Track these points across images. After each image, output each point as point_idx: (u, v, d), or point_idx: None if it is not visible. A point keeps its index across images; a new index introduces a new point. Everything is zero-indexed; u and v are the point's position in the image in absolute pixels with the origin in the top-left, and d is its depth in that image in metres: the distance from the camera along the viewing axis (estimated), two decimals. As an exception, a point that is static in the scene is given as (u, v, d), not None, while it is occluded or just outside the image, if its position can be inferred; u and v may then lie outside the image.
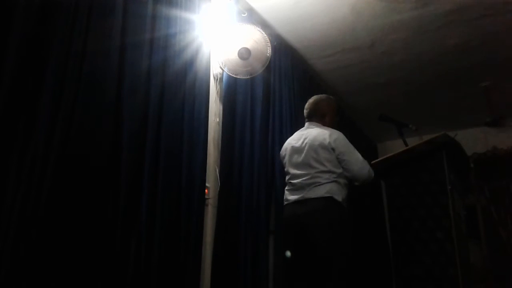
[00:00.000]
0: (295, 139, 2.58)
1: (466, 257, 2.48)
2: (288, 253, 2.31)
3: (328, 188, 2.33)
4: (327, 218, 2.30)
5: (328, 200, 2.32)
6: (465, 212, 2.65)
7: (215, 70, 2.84)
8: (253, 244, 2.68)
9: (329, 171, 2.36)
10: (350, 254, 2.26)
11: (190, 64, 2.47)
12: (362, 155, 2.46)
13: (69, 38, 1.69)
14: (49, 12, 1.65)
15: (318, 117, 2.58)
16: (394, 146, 3.58)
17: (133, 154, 1.93)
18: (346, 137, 2.52)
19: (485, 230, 5.15)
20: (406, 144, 2.68)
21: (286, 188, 2.53)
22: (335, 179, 2.35)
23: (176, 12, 2.40)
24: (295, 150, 2.52)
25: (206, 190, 2.50)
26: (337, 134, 2.46)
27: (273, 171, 3.06)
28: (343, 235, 2.27)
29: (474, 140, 5.25)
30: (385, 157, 2.64)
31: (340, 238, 2.25)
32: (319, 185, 2.35)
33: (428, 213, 2.37)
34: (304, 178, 2.41)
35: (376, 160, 2.69)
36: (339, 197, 2.32)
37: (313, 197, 2.35)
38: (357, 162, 2.37)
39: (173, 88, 2.28)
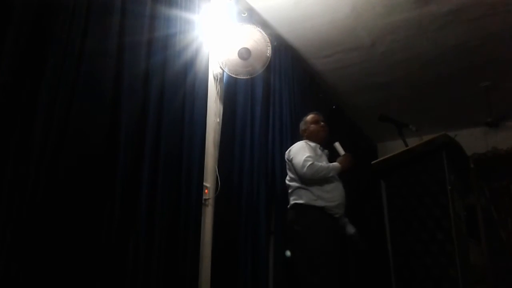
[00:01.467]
0: None
1: (466, 257, 2.48)
2: (288, 253, 2.33)
3: (294, 195, 2.53)
4: (294, 226, 2.47)
5: (294, 207, 2.51)
6: (465, 212, 2.64)
7: (215, 70, 2.83)
8: (253, 244, 2.68)
9: (292, 179, 2.57)
10: (322, 260, 2.28)
11: (190, 64, 2.47)
12: (362, 155, 2.51)
13: (67, 38, 1.69)
14: (48, 12, 1.64)
15: (302, 136, 2.85)
16: (394, 147, 3.57)
17: (131, 154, 1.93)
18: (346, 137, 2.59)
19: (485, 230, 5.14)
20: (406, 145, 2.68)
21: None
22: (299, 184, 2.52)
23: (175, 12, 2.39)
24: None
25: (206, 190, 2.50)
26: (295, 144, 2.68)
27: (273, 171, 3.06)
28: (311, 242, 2.33)
29: (474, 140, 5.25)
30: (385, 157, 2.63)
31: (307, 247, 2.33)
32: (290, 194, 2.58)
33: (428, 213, 2.36)
34: None
35: (376, 161, 2.68)
36: (303, 200, 2.45)
37: (288, 207, 2.59)
38: (298, 164, 2.51)
39: (173, 88, 2.28)
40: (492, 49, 3.85)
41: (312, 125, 2.79)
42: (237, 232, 2.64)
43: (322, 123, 2.79)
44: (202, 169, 2.43)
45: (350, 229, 2.64)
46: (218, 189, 2.60)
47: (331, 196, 2.47)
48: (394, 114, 2.98)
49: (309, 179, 2.48)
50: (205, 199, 2.50)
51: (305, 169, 2.44)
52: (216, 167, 2.67)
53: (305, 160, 2.46)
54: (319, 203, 2.42)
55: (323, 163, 2.53)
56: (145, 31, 2.13)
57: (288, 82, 3.59)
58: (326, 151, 2.77)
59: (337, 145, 2.71)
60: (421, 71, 4.24)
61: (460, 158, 2.65)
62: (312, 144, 2.68)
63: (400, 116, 2.91)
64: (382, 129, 4.29)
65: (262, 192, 2.86)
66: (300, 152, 2.55)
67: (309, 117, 2.86)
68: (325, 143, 2.79)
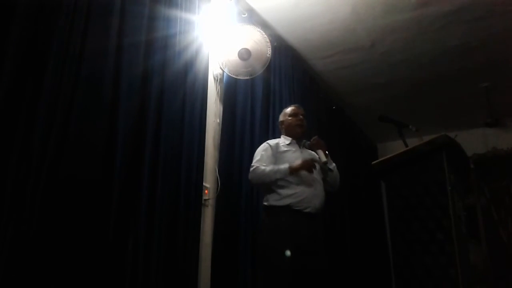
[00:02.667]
0: None
1: (466, 258, 2.48)
2: (288, 253, 2.29)
3: (264, 198, 2.42)
4: (261, 227, 2.44)
5: (263, 209, 2.42)
6: (465, 212, 2.64)
7: (215, 70, 2.84)
8: (253, 244, 2.68)
9: None
10: (273, 260, 2.19)
11: (190, 65, 2.48)
12: (362, 156, 2.47)
13: (68, 39, 1.70)
14: (48, 13, 1.65)
15: (280, 127, 2.70)
16: (394, 147, 3.57)
17: (130, 155, 1.93)
18: (345, 138, 2.53)
19: (485, 230, 5.15)
20: (406, 145, 2.67)
21: None
22: (265, 186, 2.41)
23: (176, 13, 2.40)
24: None
25: (206, 191, 2.50)
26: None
27: (273, 171, 3.05)
28: (269, 241, 2.26)
29: (474, 140, 5.25)
30: (385, 157, 2.63)
31: (267, 245, 2.27)
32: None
33: (428, 213, 2.35)
34: None
35: (376, 161, 2.69)
36: (267, 202, 2.35)
37: None
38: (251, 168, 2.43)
39: (173, 88, 2.29)
40: (492, 50, 3.85)
41: (290, 118, 2.62)
42: (237, 232, 2.64)
43: (300, 117, 2.62)
44: (201, 169, 2.43)
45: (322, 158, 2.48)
46: (218, 189, 2.60)
47: (296, 191, 2.33)
48: (394, 114, 2.97)
49: (256, 184, 2.43)
50: (205, 200, 2.50)
51: (249, 174, 2.39)
52: (216, 167, 2.68)
53: (251, 166, 2.40)
54: (284, 202, 2.31)
55: (273, 166, 2.37)
56: (145, 31, 2.14)
57: (288, 82, 3.59)
58: (305, 141, 2.60)
59: (319, 152, 2.53)
60: (421, 71, 4.24)
61: (460, 158, 2.65)
62: (273, 143, 2.52)
63: (400, 116, 2.91)
64: (382, 129, 4.29)
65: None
66: (255, 155, 2.47)
67: (289, 109, 2.69)
68: (302, 137, 2.60)
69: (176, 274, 2.07)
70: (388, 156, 2.60)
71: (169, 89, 2.25)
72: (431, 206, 2.36)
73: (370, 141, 6.01)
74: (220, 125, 2.80)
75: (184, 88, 2.39)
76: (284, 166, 2.35)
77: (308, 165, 2.36)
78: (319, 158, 2.48)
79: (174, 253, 2.08)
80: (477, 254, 4.74)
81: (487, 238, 5.10)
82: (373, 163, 2.64)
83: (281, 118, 2.70)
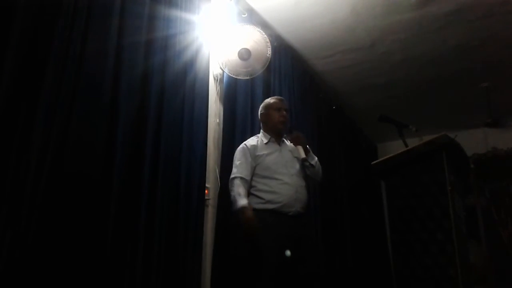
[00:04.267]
0: None
1: (466, 258, 2.48)
2: (288, 253, 2.28)
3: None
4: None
5: None
6: (465, 212, 2.65)
7: (215, 70, 2.84)
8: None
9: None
10: (267, 262, 2.14)
11: (190, 65, 2.48)
12: (362, 156, 2.45)
13: (68, 39, 1.69)
14: (49, 13, 1.65)
15: (260, 120, 2.57)
16: (394, 147, 3.57)
17: (130, 156, 1.92)
18: (345, 138, 2.51)
19: (485, 230, 5.15)
20: (406, 145, 2.68)
21: None
22: (249, 190, 2.34)
23: (175, 13, 2.40)
24: None
25: (206, 191, 2.50)
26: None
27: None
28: (256, 243, 2.21)
29: (474, 141, 5.25)
30: (385, 158, 2.64)
31: (253, 247, 2.22)
32: None
33: (428, 213, 2.36)
34: None
35: (376, 161, 2.69)
36: (253, 205, 2.27)
37: None
38: None
39: (173, 89, 2.28)
40: (492, 50, 3.85)
41: (272, 112, 2.47)
42: (238, 232, 2.63)
43: (284, 113, 2.47)
44: (204, 170, 2.43)
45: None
46: (219, 189, 2.60)
47: (277, 197, 2.27)
48: (394, 114, 2.97)
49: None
50: (206, 200, 2.50)
51: (229, 183, 2.33)
52: (217, 167, 2.68)
53: (231, 174, 2.33)
54: (267, 206, 2.26)
55: (240, 190, 2.25)
56: (145, 31, 2.13)
57: (288, 82, 3.59)
58: (285, 135, 2.50)
59: (299, 148, 2.43)
60: (421, 71, 4.24)
61: (460, 158, 2.65)
62: (250, 144, 2.41)
63: (400, 117, 2.91)
64: (382, 129, 4.29)
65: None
66: (234, 161, 2.38)
67: (272, 101, 2.53)
68: (283, 134, 2.51)
69: (178, 276, 2.07)
70: (388, 156, 2.61)
71: (169, 89, 2.25)
72: (431, 206, 2.36)
73: (370, 141, 6.01)
74: (220, 125, 2.80)
75: (184, 88, 2.38)
76: (242, 203, 2.21)
77: (246, 226, 2.20)
78: (299, 154, 2.39)
79: (176, 255, 2.08)
80: (477, 254, 4.74)
81: (487, 238, 5.10)
82: (373, 163, 2.65)
83: (262, 110, 2.54)
